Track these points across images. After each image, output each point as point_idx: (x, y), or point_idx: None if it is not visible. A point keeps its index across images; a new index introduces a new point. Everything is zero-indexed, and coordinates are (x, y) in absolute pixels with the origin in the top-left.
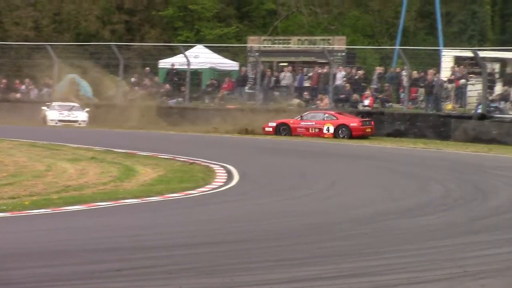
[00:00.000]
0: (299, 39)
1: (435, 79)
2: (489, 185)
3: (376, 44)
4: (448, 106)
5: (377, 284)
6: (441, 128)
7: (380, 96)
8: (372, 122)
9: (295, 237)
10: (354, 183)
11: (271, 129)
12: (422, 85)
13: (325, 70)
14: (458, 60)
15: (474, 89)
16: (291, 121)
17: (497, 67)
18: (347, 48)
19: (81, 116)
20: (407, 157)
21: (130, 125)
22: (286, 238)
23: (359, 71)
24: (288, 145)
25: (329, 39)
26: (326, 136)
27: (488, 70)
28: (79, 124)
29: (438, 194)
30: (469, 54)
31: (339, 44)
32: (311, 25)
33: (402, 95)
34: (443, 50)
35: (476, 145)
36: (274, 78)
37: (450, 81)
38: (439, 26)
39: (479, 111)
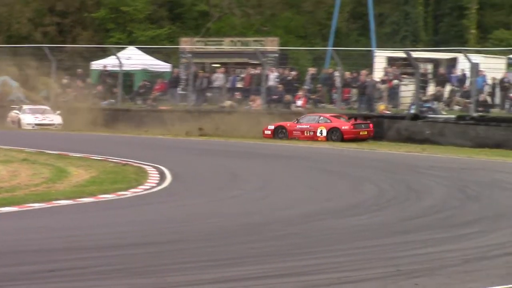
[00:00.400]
0: (231, 41)
1: (368, 79)
2: (422, 185)
3: (308, 45)
4: (381, 107)
5: (309, 284)
6: (375, 128)
7: (313, 97)
8: (371, 125)
9: (226, 238)
10: (286, 184)
11: (269, 132)
12: (355, 85)
13: (257, 71)
14: (391, 61)
15: (407, 89)
16: (288, 124)
17: (430, 67)
18: (279, 49)
19: (57, 119)
20: (340, 157)
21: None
22: (218, 238)
23: (291, 72)
24: (224, 146)
25: (261, 40)
26: (319, 139)
27: (421, 71)
28: (56, 127)
29: (371, 194)
30: (402, 54)
31: (271, 45)
32: (243, 27)
33: (335, 96)
34: (376, 51)
35: (409, 145)
36: (207, 79)
37: (383, 81)
38: (372, 27)
39: (412, 111)
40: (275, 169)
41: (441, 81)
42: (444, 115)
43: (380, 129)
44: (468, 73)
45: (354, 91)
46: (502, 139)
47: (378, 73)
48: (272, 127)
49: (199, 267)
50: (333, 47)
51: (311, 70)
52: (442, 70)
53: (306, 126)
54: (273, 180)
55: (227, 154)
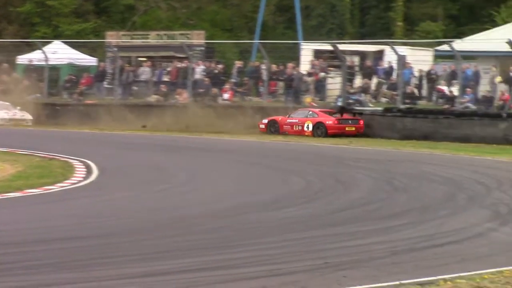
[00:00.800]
0: (157, 34)
1: (295, 72)
2: (350, 177)
3: (235, 38)
4: (308, 99)
5: (237, 277)
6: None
7: (240, 90)
8: (361, 121)
9: (154, 231)
10: (214, 177)
11: (263, 126)
12: (282, 78)
13: (184, 65)
14: (318, 54)
15: (334, 82)
16: (280, 118)
17: (356, 60)
18: (206, 42)
19: (27, 115)
20: (268, 150)
21: None
22: (146, 232)
23: (218, 65)
24: (153, 140)
25: (188, 34)
26: (306, 133)
27: (348, 63)
28: (27, 122)
29: (298, 187)
30: (328, 47)
31: (198, 38)
32: (169, 20)
33: (261, 89)
34: (303, 43)
35: (337, 138)
36: (133, 73)
37: (309, 74)
38: (298, 19)
39: (339, 103)
40: (203, 163)
41: (368, 74)
42: (371, 107)
43: None
44: (395, 65)
45: (281, 84)
46: (429, 131)
47: (304, 66)
48: (266, 121)
49: (127, 261)
50: (260, 40)
51: (238, 63)
52: (369, 62)
53: (295, 121)
54: (201, 174)
55: (155, 148)
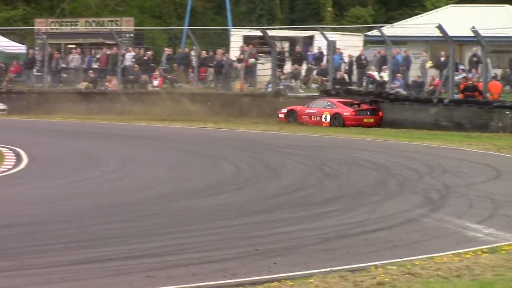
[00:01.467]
0: (86, 21)
1: (224, 58)
2: (281, 164)
3: (164, 25)
4: (237, 86)
5: (169, 264)
6: (232, 107)
7: (169, 76)
8: (380, 113)
9: (84, 219)
10: (146, 164)
11: (282, 116)
12: (212, 65)
13: (113, 52)
14: (247, 40)
15: (264, 68)
16: (298, 108)
17: (286, 46)
18: (135, 29)
19: (1, 105)
20: (199, 137)
21: None
22: (76, 220)
23: (147, 52)
24: (84, 127)
25: (117, 21)
26: (324, 124)
27: (278, 49)
28: (3, 112)
29: (229, 174)
30: (258, 33)
31: (127, 25)
32: (98, 7)
33: (191, 75)
34: (232, 29)
35: (267, 124)
36: (62, 60)
37: (239, 60)
38: (228, 6)
39: (270, 89)
40: (135, 150)
41: (298, 59)
42: (301, 93)
43: (239, 107)
44: (325, 51)
45: (211, 70)
46: None
47: (234, 52)
48: (285, 110)
49: (58, 249)
50: (189, 26)
51: (167, 50)
52: (298, 48)
53: (314, 111)
54: (132, 161)
55: (87, 135)
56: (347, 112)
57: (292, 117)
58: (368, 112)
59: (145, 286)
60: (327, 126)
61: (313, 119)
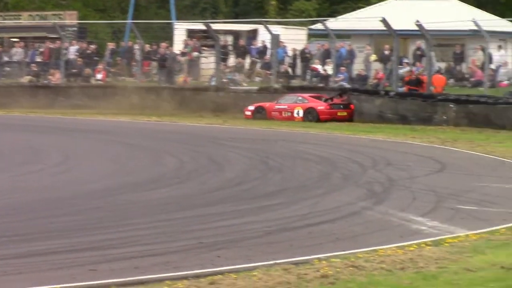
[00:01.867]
0: (30, 15)
1: (168, 52)
2: (224, 157)
3: (107, 19)
4: (181, 79)
5: (111, 258)
6: (175, 101)
7: (113, 70)
8: (352, 106)
9: (27, 213)
10: (89, 158)
11: (249, 113)
12: (155, 58)
13: (56, 45)
14: (191, 33)
15: (208, 61)
16: (267, 105)
17: (230, 39)
18: (78, 22)
19: None
20: (142, 130)
21: None
22: (20, 213)
23: (91, 46)
24: (27, 121)
25: (60, 14)
26: (296, 119)
27: (221, 43)
28: None
29: (172, 167)
30: (202, 27)
31: (70, 19)
32: (42, 1)
33: (135, 69)
34: (176, 23)
35: (211, 117)
36: (5, 54)
37: (183, 54)
38: None
39: (213, 83)
40: (78, 144)
41: (241, 53)
42: (245, 86)
43: (182, 101)
44: (268, 45)
45: (154, 63)
46: None
47: (178, 46)
48: (252, 107)
49: (1, 242)
50: (133, 20)
51: (110, 45)
52: (242, 42)
53: (284, 107)
54: (75, 155)
55: (30, 129)
56: (321, 106)
57: (260, 113)
58: (341, 106)
59: (88, 279)
60: (300, 121)
61: (283, 114)
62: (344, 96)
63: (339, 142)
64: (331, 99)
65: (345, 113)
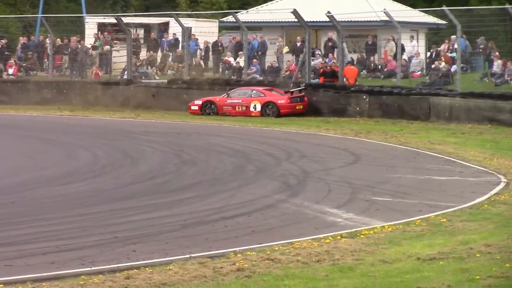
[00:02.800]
0: None
1: (79, 46)
2: (138, 151)
3: (18, 13)
4: (92, 73)
5: (26, 253)
6: (88, 95)
7: (24, 64)
8: (305, 99)
9: None
10: (0, 153)
11: (197, 108)
12: (66, 52)
13: None
14: (102, 27)
15: (120, 55)
16: (217, 99)
17: (141, 32)
18: None
19: None
20: (54, 124)
21: None
22: None
23: (1, 40)
24: None
25: None
26: (253, 114)
27: (133, 36)
28: None
29: (86, 161)
30: (113, 20)
31: None
32: None
33: (46, 63)
34: (87, 17)
35: (123, 111)
36: None
37: (94, 47)
38: None
39: (125, 77)
40: None
41: (153, 46)
42: (157, 80)
43: (94, 95)
44: (180, 38)
45: (66, 57)
46: None
47: (89, 40)
48: (199, 102)
49: None
50: (43, 14)
51: (22, 39)
52: (154, 35)
53: (238, 101)
54: None
55: None
56: (281, 100)
57: (210, 109)
58: (298, 99)
59: (4, 275)
60: (257, 116)
61: (237, 109)
62: (303, 90)
63: (252, 134)
64: (291, 92)
65: (301, 106)
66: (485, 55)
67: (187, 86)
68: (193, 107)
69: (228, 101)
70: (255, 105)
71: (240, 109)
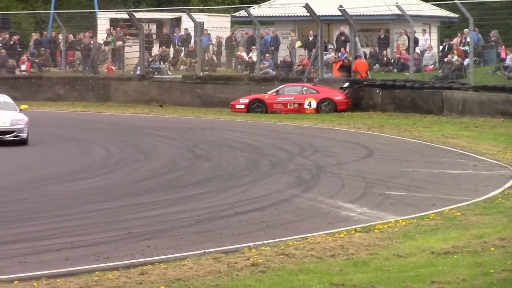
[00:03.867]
0: None
1: (92, 42)
2: (151, 146)
3: (30, 9)
4: (105, 69)
5: (40, 249)
6: (100, 90)
7: (37, 60)
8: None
9: None
10: (14, 149)
11: (243, 106)
12: (79, 48)
13: None
14: (114, 22)
15: (132, 50)
16: (266, 97)
17: (153, 28)
18: (0, 13)
19: None
20: (67, 120)
21: None
22: None
23: (14, 37)
24: None
25: None
26: (308, 111)
27: (145, 32)
28: None
29: (99, 157)
30: (125, 16)
31: None
32: None
33: (59, 59)
34: (99, 12)
35: (136, 106)
36: None
37: (106, 43)
38: None
39: (138, 72)
40: None
41: (165, 41)
42: (170, 75)
43: (107, 91)
44: (192, 33)
45: (78, 53)
46: (229, 98)
47: (102, 35)
48: (245, 100)
49: None
50: (55, 10)
51: (34, 35)
52: (166, 30)
53: (289, 98)
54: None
55: None
56: (338, 96)
57: (258, 107)
58: (348, 95)
59: (18, 271)
60: (312, 113)
61: (289, 106)
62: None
63: (265, 129)
64: (346, 88)
65: (350, 103)
66: (497, 48)
67: (202, 81)
68: (238, 106)
69: (278, 98)
70: (310, 102)
71: (293, 107)
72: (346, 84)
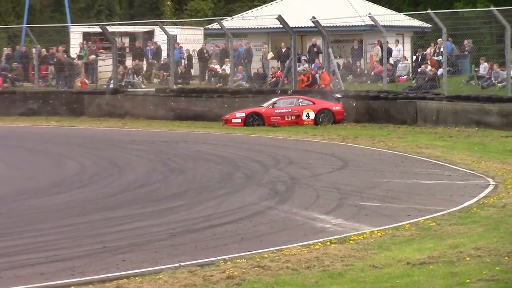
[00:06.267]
0: None
1: (65, 56)
2: (125, 160)
3: (2, 24)
4: (78, 83)
5: (15, 264)
6: (74, 104)
7: (10, 75)
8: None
9: None
10: None
11: (239, 120)
12: (52, 62)
13: None
14: (87, 36)
15: (105, 64)
16: (263, 110)
17: (127, 41)
18: None
19: None
20: (41, 135)
21: None
22: None
23: None
24: None
25: None
26: (306, 123)
27: (118, 45)
28: None
29: (73, 171)
30: (98, 29)
31: None
32: None
33: (32, 74)
34: (72, 26)
35: (110, 120)
36: None
37: (79, 57)
38: (66, 2)
39: (112, 86)
40: None
41: (138, 55)
42: (144, 88)
43: (81, 105)
44: (163, 46)
45: (52, 68)
46: (203, 111)
47: (75, 49)
48: (242, 114)
49: None
50: (28, 24)
51: (6, 50)
52: (139, 43)
53: (287, 110)
54: None
55: None
56: (336, 106)
57: (256, 120)
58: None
59: None
60: (310, 125)
61: (287, 119)
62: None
63: (239, 141)
64: (339, 99)
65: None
66: (471, 58)
67: (175, 94)
68: (234, 120)
69: (276, 111)
70: (308, 113)
71: (290, 119)
72: (339, 95)
